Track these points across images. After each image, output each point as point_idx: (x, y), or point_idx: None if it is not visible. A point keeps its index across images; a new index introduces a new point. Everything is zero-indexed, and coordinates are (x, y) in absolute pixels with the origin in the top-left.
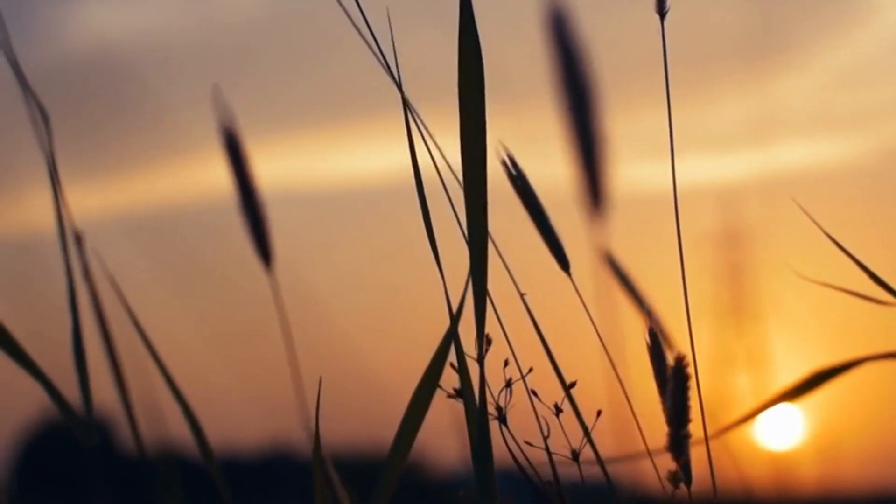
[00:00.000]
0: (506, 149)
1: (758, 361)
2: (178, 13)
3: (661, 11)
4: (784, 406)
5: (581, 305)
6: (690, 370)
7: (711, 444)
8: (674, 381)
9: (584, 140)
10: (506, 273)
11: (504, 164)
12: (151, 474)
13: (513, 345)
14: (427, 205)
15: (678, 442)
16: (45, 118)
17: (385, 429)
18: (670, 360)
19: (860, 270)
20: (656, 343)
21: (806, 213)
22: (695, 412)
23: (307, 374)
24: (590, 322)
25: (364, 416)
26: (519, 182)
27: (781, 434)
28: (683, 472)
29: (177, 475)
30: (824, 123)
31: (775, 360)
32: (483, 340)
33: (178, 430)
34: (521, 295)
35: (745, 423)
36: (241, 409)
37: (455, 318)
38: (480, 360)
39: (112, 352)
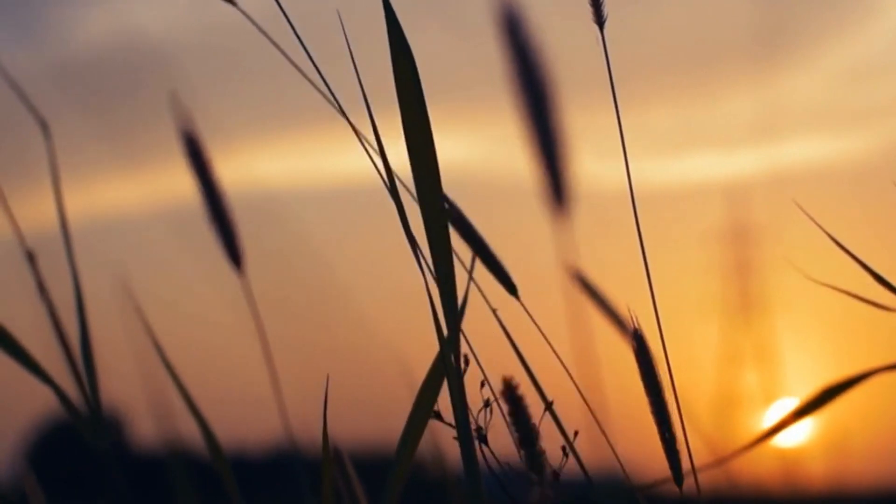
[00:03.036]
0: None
1: (765, 358)
2: (182, 13)
3: (600, 21)
4: (790, 401)
5: (545, 321)
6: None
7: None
8: (510, 403)
9: (543, 139)
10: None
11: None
12: (161, 472)
13: (487, 360)
14: (405, 213)
15: (534, 461)
16: (45, 126)
17: (393, 425)
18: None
19: (862, 269)
20: (642, 346)
21: (807, 213)
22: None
23: (311, 368)
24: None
25: (372, 413)
26: (453, 214)
27: (789, 431)
28: (674, 472)
29: (187, 474)
30: (831, 120)
31: (782, 357)
32: (460, 356)
33: (188, 428)
34: (494, 311)
35: (762, 442)
36: (249, 407)
37: (447, 332)
38: (459, 376)
39: (73, 364)
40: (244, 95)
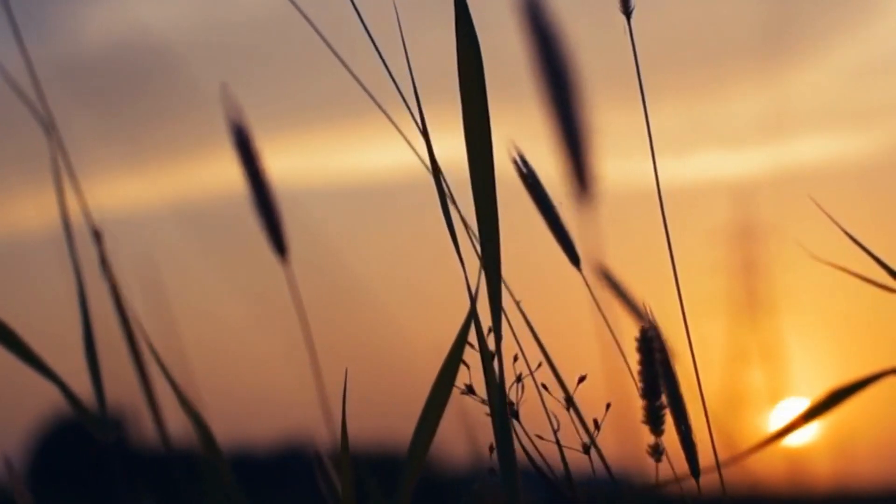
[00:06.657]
0: (516, 145)
1: (772, 356)
2: (193, 9)
3: (627, 11)
4: (797, 401)
5: (588, 300)
6: (658, 340)
7: (727, 447)
8: (643, 353)
9: (567, 133)
10: (512, 268)
11: (514, 160)
12: (175, 470)
13: (521, 341)
14: (448, 203)
15: (654, 414)
16: (52, 123)
17: (406, 422)
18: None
19: (875, 266)
20: (650, 341)
21: (821, 208)
22: (694, 408)
23: (330, 367)
24: (591, 317)
25: (384, 410)
26: (529, 178)
27: (796, 432)
28: (690, 465)
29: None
30: (839, 119)
31: (789, 356)
32: (500, 334)
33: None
34: (517, 303)
35: (767, 446)
36: (262, 404)
37: (471, 312)
38: (498, 353)
39: (135, 348)
40: (250, 93)
